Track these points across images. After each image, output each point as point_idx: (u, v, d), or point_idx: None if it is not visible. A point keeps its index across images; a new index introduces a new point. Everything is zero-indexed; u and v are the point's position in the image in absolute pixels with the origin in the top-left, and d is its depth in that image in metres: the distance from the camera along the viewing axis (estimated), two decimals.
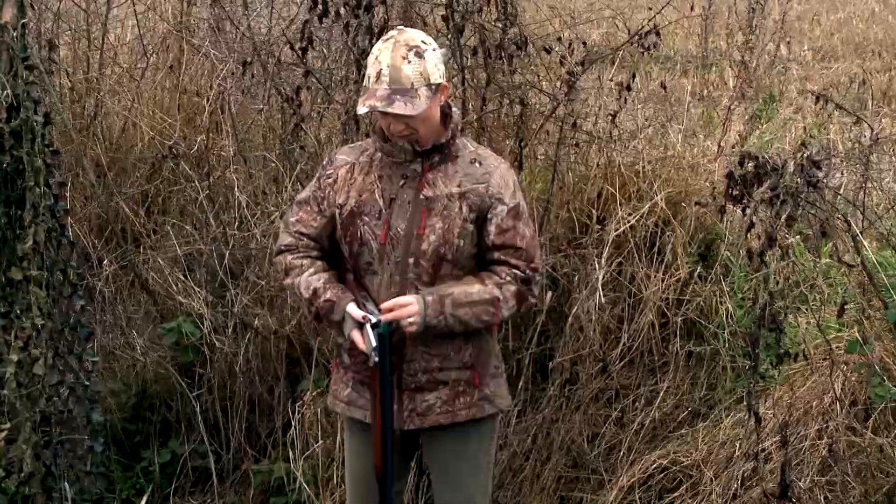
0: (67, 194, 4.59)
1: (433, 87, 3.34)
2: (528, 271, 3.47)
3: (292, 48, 5.03)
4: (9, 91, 3.98)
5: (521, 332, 4.93)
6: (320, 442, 4.58)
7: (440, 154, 3.46)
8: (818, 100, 4.83)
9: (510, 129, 5.28)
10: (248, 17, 5.60)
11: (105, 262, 5.51)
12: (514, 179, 3.52)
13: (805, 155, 3.92)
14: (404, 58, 3.29)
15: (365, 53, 4.72)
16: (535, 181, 5.43)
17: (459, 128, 3.53)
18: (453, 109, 3.50)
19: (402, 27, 3.43)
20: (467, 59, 4.99)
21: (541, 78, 5.37)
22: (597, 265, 4.91)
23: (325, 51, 5.40)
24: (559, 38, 5.31)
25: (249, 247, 5.26)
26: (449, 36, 4.91)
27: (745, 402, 4.35)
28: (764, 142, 7.53)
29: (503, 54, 4.95)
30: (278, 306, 5.08)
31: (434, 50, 3.36)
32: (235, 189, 5.35)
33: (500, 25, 4.94)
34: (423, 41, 3.34)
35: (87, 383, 4.19)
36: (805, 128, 8.20)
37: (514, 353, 4.88)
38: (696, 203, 5.06)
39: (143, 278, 5.50)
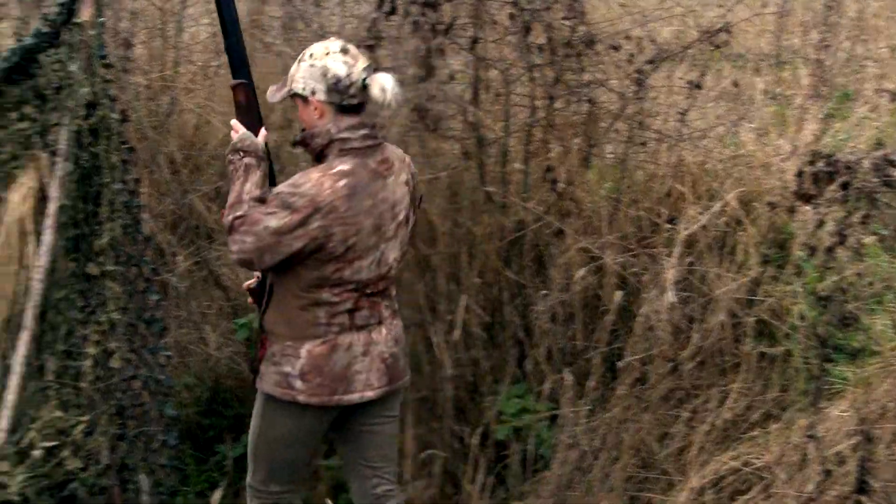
0: (142, 191, 4.67)
1: (292, 91, 3.74)
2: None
3: (360, 46, 5.05)
4: (87, 89, 4.06)
5: (590, 332, 4.92)
6: None
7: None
8: (895, 98, 4.76)
9: (578, 127, 5.27)
10: (320, 15, 5.64)
11: (179, 257, 5.58)
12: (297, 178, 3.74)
13: (880, 154, 3.88)
14: (298, 59, 3.76)
15: (432, 52, 4.74)
16: (604, 180, 5.42)
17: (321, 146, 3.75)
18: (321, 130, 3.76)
19: (334, 38, 3.80)
20: (535, 57, 4.99)
21: (609, 76, 5.35)
22: (667, 264, 4.88)
23: (393, 49, 5.41)
24: (628, 36, 5.29)
25: None
26: (517, 34, 4.92)
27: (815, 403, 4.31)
28: (838, 141, 7.44)
29: (571, 52, 4.94)
30: None
31: (312, 66, 3.69)
32: None
33: (569, 23, 4.93)
34: (311, 54, 3.72)
35: (160, 377, 4.26)
36: (880, 127, 8.08)
37: (584, 352, 4.87)
38: (768, 203, 5.01)
39: (216, 274, 5.57)
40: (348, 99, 3.69)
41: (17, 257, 4.19)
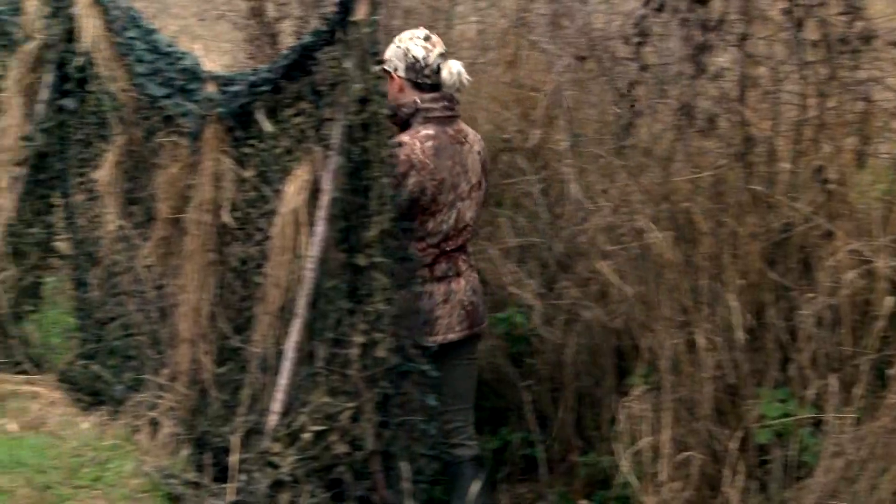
0: None
1: (382, 67, 4.39)
2: None
3: (628, 42, 5.02)
4: (360, 85, 4.20)
5: (858, 338, 4.74)
6: (649, 438, 4.57)
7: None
8: None
9: (851, 126, 5.08)
10: (586, 12, 5.64)
11: None
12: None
13: None
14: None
15: (703, 49, 4.67)
16: (878, 181, 5.20)
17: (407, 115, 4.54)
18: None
19: (422, 28, 4.72)
20: (808, 53, 4.83)
21: (887, 73, 5.13)
22: None
23: (660, 45, 5.35)
24: None
25: (579, 241, 5.31)
26: (789, 30, 4.78)
27: None
28: None
29: (847, 49, 4.77)
30: (608, 301, 5.10)
31: (398, 47, 4.55)
32: (569, 183, 5.40)
33: (845, 19, 4.76)
34: (400, 38, 4.59)
35: (422, 368, 4.35)
36: None
37: (851, 358, 4.70)
38: None
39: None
40: (423, 78, 4.52)
41: (291, 247, 4.39)
